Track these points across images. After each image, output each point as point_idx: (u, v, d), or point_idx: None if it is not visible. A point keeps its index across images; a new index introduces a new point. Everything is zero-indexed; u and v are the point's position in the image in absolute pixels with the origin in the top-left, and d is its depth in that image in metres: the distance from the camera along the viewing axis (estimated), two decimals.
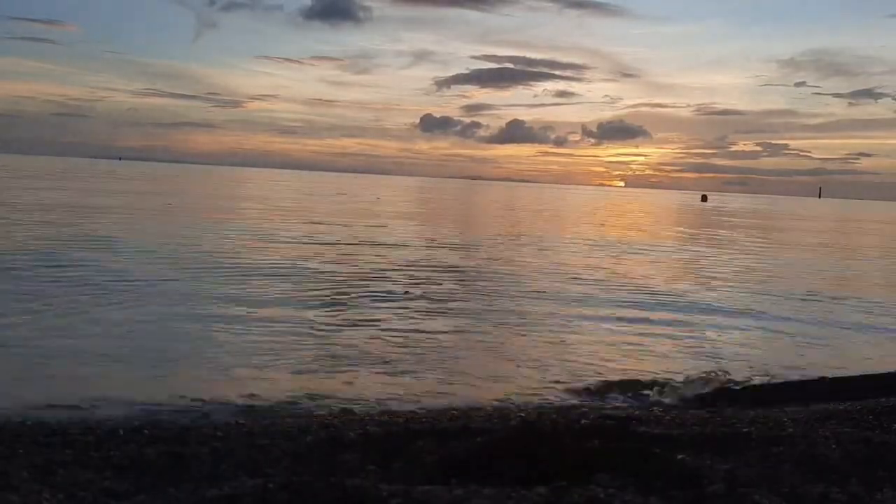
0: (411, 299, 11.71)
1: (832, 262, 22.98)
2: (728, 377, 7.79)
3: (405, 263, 16.10)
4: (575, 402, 6.79)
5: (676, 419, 5.60)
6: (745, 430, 4.97)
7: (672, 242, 27.82)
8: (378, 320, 9.95)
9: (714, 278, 16.89)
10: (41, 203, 27.93)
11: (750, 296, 14.19)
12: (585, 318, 10.96)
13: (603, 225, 37.67)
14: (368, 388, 6.93)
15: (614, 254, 21.62)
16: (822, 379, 7.67)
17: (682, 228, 39.48)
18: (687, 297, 13.46)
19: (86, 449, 4.21)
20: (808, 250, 27.82)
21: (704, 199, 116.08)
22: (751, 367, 8.36)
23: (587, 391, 7.16)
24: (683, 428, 5.09)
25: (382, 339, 8.88)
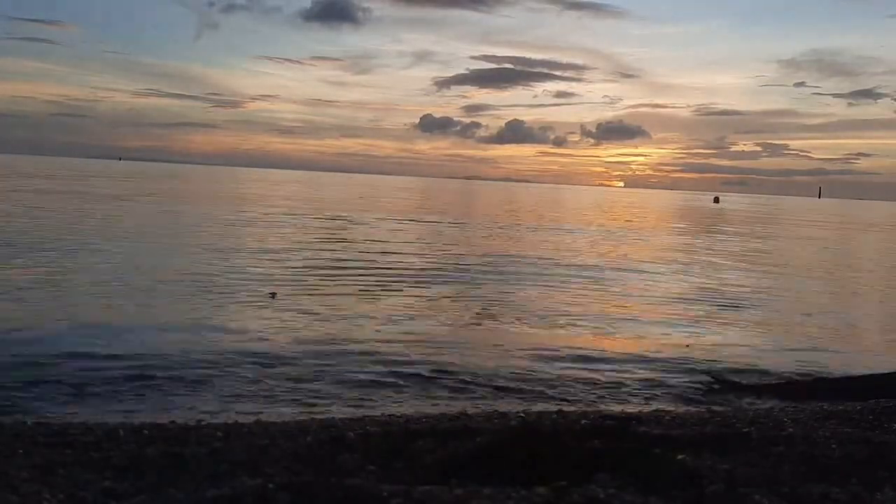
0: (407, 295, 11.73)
1: None
2: (730, 377, 7.79)
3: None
4: (575, 402, 6.79)
5: (676, 419, 5.61)
6: (745, 430, 4.97)
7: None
8: (378, 320, 9.97)
9: None
10: None
11: None
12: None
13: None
14: (369, 387, 6.93)
15: None
16: (823, 379, 7.67)
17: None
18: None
19: (86, 449, 4.21)
20: None
21: (717, 200, 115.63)
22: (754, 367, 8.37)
23: (587, 390, 7.17)
24: (683, 428, 5.09)
25: (381, 339, 8.89)
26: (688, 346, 9.38)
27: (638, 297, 13.56)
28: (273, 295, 11.17)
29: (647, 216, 51.76)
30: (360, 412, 5.96)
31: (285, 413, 5.94)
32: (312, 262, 15.64)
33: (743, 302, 13.42)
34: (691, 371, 8.05)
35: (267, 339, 8.58)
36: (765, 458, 4.27)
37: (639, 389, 7.32)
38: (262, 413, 5.85)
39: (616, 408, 6.49)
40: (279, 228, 24.24)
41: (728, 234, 35.51)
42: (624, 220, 42.12)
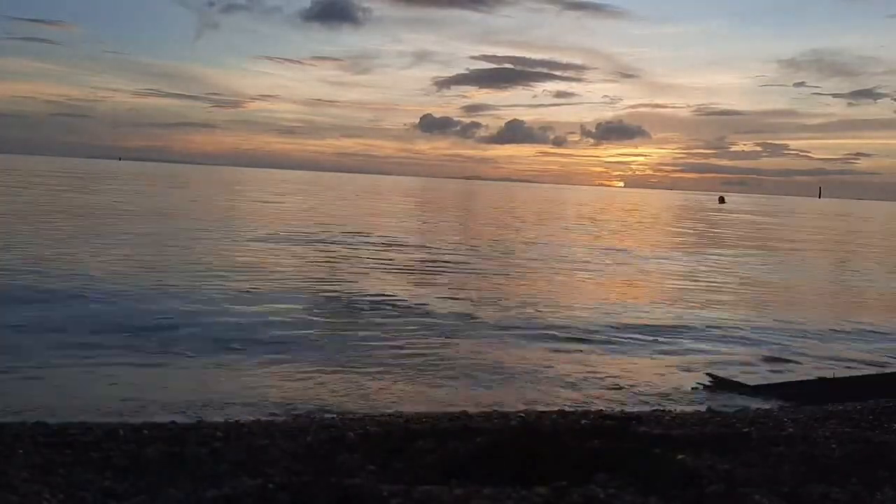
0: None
1: None
2: (730, 377, 7.79)
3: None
4: (575, 402, 6.78)
5: (676, 419, 5.61)
6: (745, 430, 4.97)
7: None
8: (379, 322, 9.97)
9: None
10: None
11: None
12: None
13: None
14: (368, 389, 6.93)
15: None
16: (823, 379, 7.67)
17: None
18: None
19: (86, 449, 4.20)
20: None
21: (722, 200, 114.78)
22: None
23: (589, 390, 7.17)
24: (683, 428, 5.09)
25: (382, 340, 8.89)
26: (684, 343, 9.39)
27: (637, 295, 13.55)
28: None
29: (667, 223, 50.01)
30: (360, 412, 5.96)
31: (285, 412, 5.94)
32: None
33: (744, 301, 13.41)
34: (691, 371, 8.05)
35: (262, 336, 8.58)
36: (765, 458, 4.27)
37: (639, 389, 7.32)
38: (262, 413, 5.85)
39: (616, 408, 6.48)
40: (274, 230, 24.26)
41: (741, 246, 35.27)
42: (649, 237, 39.29)
